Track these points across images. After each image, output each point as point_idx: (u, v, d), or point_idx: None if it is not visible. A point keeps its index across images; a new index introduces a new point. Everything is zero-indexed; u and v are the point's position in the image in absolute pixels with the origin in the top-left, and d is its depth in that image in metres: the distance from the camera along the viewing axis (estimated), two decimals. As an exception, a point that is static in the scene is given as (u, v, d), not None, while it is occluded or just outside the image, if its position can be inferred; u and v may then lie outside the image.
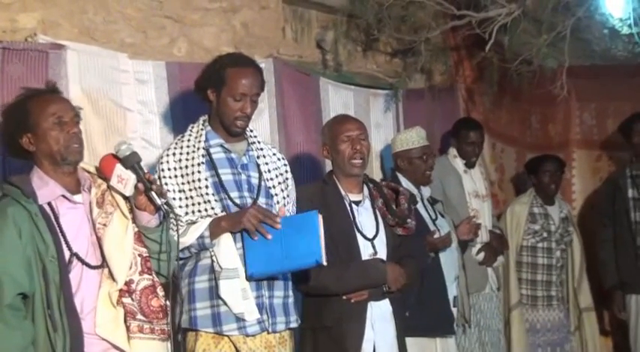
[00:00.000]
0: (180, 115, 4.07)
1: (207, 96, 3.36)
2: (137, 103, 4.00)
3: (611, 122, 6.08)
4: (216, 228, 3.17)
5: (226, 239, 3.19)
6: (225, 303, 3.16)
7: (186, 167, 3.26)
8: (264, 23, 4.85)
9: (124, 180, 2.82)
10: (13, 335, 2.64)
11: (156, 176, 3.18)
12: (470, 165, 5.18)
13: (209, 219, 3.20)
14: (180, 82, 4.09)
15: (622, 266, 5.38)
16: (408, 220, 3.81)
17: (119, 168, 2.84)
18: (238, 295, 3.16)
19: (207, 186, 3.22)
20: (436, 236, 4.34)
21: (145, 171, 2.88)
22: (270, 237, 3.13)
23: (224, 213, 3.22)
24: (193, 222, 3.21)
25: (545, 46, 5.12)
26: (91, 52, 3.84)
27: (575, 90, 5.78)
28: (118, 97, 3.91)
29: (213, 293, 3.18)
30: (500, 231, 5.35)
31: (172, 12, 4.34)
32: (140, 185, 2.83)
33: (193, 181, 3.24)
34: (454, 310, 4.44)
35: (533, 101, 6.07)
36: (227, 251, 3.18)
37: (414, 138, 4.55)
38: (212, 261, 3.20)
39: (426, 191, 4.58)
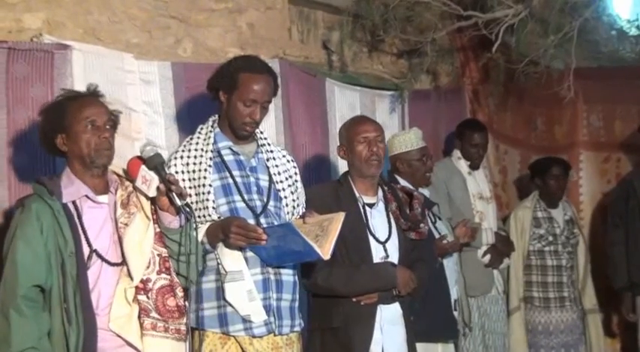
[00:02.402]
0: (185, 116, 4.06)
1: (218, 97, 3.35)
2: (142, 104, 3.99)
3: (618, 124, 6.05)
4: (213, 237, 3.17)
5: None
6: (232, 306, 3.16)
7: (194, 171, 3.25)
8: (270, 24, 4.84)
9: (148, 181, 2.90)
10: (26, 325, 2.73)
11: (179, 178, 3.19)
12: (474, 166, 5.16)
13: (207, 225, 3.19)
14: (185, 82, 4.08)
15: (633, 267, 5.34)
16: (421, 225, 3.78)
17: (143, 170, 2.91)
18: (244, 297, 3.15)
19: (209, 192, 3.21)
20: (445, 241, 4.32)
21: (167, 172, 2.94)
22: (264, 243, 3.12)
23: (221, 218, 3.20)
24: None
25: (553, 47, 5.10)
26: (96, 52, 3.83)
27: (582, 92, 5.75)
28: (123, 98, 3.90)
29: (220, 293, 3.18)
30: (506, 233, 5.32)
31: (177, 12, 4.33)
32: (161, 185, 2.89)
33: (198, 186, 3.23)
34: (455, 313, 4.42)
35: (539, 103, 6.04)
36: (230, 254, 3.17)
37: (413, 139, 4.50)
38: (217, 263, 3.19)
39: (424, 194, 4.52)
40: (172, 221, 2.95)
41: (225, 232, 3.12)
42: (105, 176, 2.96)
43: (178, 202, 2.89)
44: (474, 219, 5.00)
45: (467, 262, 4.84)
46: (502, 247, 5.13)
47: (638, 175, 5.49)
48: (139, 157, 2.95)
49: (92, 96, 3.00)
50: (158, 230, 2.96)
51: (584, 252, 5.62)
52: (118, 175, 3.02)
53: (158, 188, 2.89)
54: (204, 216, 3.22)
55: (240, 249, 3.17)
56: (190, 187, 3.24)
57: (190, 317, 3.19)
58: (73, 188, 2.89)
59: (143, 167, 2.92)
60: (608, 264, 5.50)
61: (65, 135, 2.90)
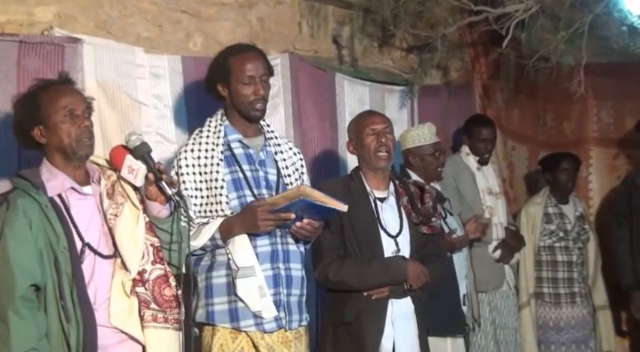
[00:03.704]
0: (195, 110, 4.07)
1: (219, 93, 3.34)
2: (152, 97, 4.00)
3: (629, 120, 6.00)
4: (227, 233, 3.16)
5: (241, 238, 3.17)
6: (243, 301, 3.16)
7: (205, 165, 3.24)
8: (280, 18, 4.85)
9: (135, 170, 2.82)
10: (26, 327, 2.62)
11: (173, 172, 3.19)
12: (483, 161, 5.15)
13: (219, 220, 3.18)
14: (195, 76, 4.07)
15: (639, 265, 5.33)
16: (433, 219, 3.79)
17: (129, 159, 2.83)
18: (255, 293, 3.15)
19: (222, 187, 3.20)
20: (455, 235, 4.32)
21: (155, 161, 2.86)
22: (293, 216, 3.14)
23: (234, 213, 3.20)
24: (205, 223, 3.20)
25: (563, 43, 5.07)
26: (106, 45, 3.84)
27: (593, 88, 5.72)
28: (133, 91, 3.91)
29: (231, 288, 3.17)
30: (516, 228, 5.31)
31: (188, 6, 4.34)
32: (150, 175, 2.82)
33: (210, 181, 3.22)
34: (464, 308, 4.42)
35: (549, 98, 6.03)
36: (242, 249, 3.17)
37: (426, 134, 4.51)
38: (228, 258, 3.19)
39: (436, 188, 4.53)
40: (161, 210, 2.88)
41: (251, 221, 3.12)
42: (84, 166, 2.86)
43: (169, 191, 2.82)
44: (484, 214, 4.99)
45: (477, 257, 4.83)
46: (513, 242, 5.12)
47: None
48: (124, 146, 2.87)
49: (66, 83, 2.89)
50: (147, 220, 2.88)
51: (595, 248, 5.60)
52: (98, 165, 2.92)
53: (146, 177, 2.82)
54: (216, 211, 3.21)
55: (251, 245, 3.17)
56: (201, 181, 3.23)
57: (199, 312, 3.20)
58: (56, 181, 2.77)
59: (129, 156, 2.83)
60: (615, 262, 5.48)
61: (43, 126, 2.77)
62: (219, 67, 3.34)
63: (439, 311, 4.07)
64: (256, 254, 3.18)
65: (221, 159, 3.24)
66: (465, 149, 5.18)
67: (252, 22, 4.67)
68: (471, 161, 5.14)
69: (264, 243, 3.20)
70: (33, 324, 2.64)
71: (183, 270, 2.95)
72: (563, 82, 5.36)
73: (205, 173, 3.23)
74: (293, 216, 3.13)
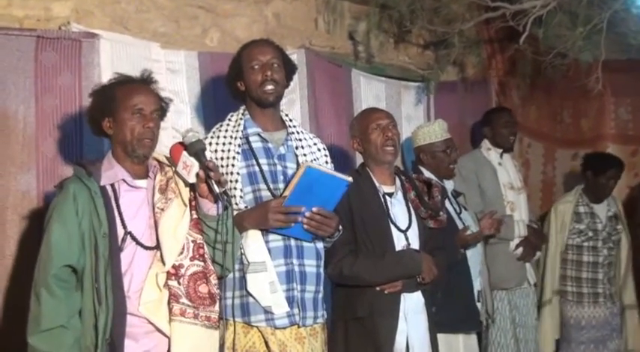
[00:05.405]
0: (211, 105, 4.07)
1: (241, 91, 3.36)
2: (169, 93, 3.98)
3: (647, 117, 5.99)
4: (239, 227, 3.16)
5: (253, 233, 3.18)
6: (253, 297, 3.16)
7: (222, 159, 3.25)
8: (297, 14, 4.84)
9: (188, 166, 2.92)
10: (56, 304, 2.75)
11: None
12: (508, 148, 5.11)
13: (234, 213, 3.18)
14: (212, 72, 4.09)
15: None
16: (441, 213, 3.79)
17: (184, 155, 2.93)
18: (266, 289, 3.15)
19: (236, 180, 3.21)
20: (469, 232, 4.31)
21: (208, 158, 2.94)
22: (300, 218, 3.13)
23: (248, 207, 3.21)
24: None
25: (581, 40, 5.04)
26: (123, 41, 3.85)
27: (610, 85, 5.68)
28: (149, 87, 3.90)
29: (243, 283, 3.17)
30: (538, 226, 5.27)
31: (205, 2, 4.34)
32: (201, 172, 2.90)
33: (226, 174, 3.22)
34: (478, 305, 4.41)
35: (566, 95, 5.99)
36: (254, 245, 3.16)
37: (437, 131, 4.48)
38: (241, 253, 3.19)
39: (449, 184, 4.51)
40: (211, 208, 2.96)
41: (263, 217, 3.12)
42: (146, 161, 2.98)
43: (217, 189, 2.89)
44: (505, 209, 4.97)
45: (499, 254, 4.81)
46: (534, 240, 5.08)
47: None
48: (181, 143, 2.96)
49: (144, 82, 3.01)
50: (195, 216, 2.96)
51: (627, 248, 5.55)
52: (158, 161, 3.03)
53: (198, 174, 2.90)
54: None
55: (263, 241, 3.17)
56: (217, 174, 3.25)
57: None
58: (111, 172, 2.90)
59: (184, 153, 2.93)
60: None
61: (112, 119, 2.92)
62: (235, 64, 3.38)
63: (454, 308, 4.06)
64: (268, 249, 3.18)
65: (237, 153, 3.25)
66: (486, 144, 5.15)
67: (269, 18, 4.67)
68: (492, 156, 5.12)
69: (276, 237, 3.20)
70: (64, 302, 2.76)
71: (230, 270, 3.06)
72: (580, 78, 5.33)
73: (222, 166, 3.23)
74: (303, 208, 3.12)
